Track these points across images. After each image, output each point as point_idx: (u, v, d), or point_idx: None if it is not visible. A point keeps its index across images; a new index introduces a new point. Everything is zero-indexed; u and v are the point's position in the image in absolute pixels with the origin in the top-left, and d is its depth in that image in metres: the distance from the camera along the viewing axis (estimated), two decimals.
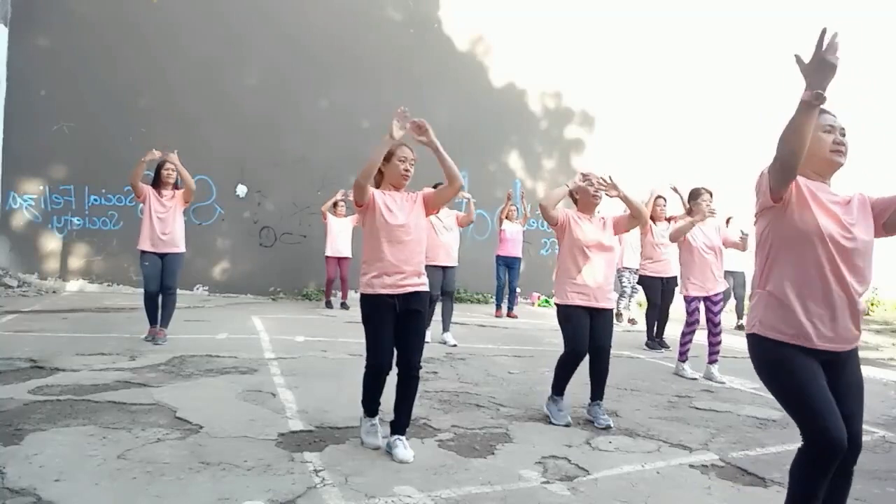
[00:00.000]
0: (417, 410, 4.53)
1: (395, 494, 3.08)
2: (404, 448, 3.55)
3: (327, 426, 4.06)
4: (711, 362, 6.14)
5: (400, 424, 3.63)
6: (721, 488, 3.43)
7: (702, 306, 6.20)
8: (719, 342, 6.14)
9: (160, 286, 6.62)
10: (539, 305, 12.30)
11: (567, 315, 4.41)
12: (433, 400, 4.85)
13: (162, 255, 6.62)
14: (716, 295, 6.12)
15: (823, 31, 2.05)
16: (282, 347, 6.57)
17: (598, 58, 12.61)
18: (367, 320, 3.63)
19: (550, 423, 4.40)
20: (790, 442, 4.30)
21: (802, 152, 2.20)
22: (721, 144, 13.14)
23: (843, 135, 2.43)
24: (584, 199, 4.56)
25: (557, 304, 4.51)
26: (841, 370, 2.39)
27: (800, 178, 2.34)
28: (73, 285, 10.55)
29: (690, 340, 6.29)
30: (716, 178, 12.45)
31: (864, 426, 4.59)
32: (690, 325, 6.23)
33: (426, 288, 3.71)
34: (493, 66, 12.30)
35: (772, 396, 2.47)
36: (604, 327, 4.41)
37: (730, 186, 12.70)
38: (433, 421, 4.30)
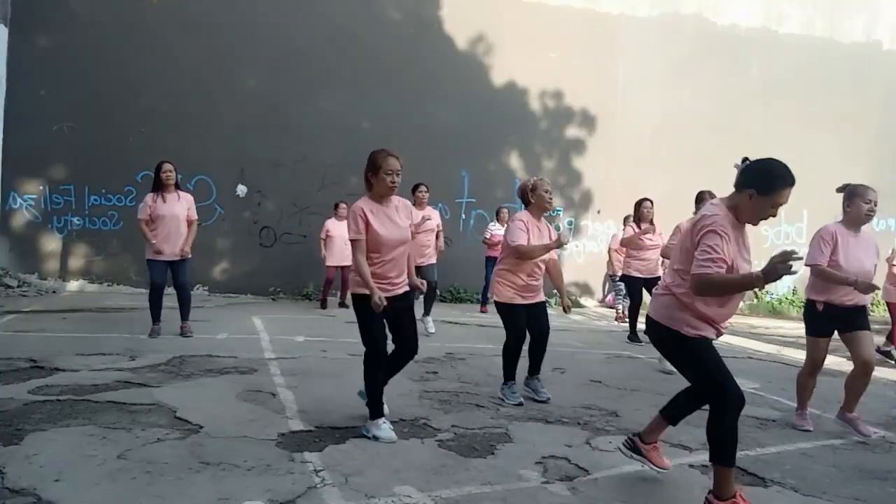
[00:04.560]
0: (417, 410, 4.54)
1: (395, 494, 3.08)
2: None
3: (327, 426, 4.05)
4: None
5: None
6: None
7: None
8: None
9: (174, 285, 6.80)
10: None
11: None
12: (433, 400, 4.84)
13: (169, 262, 6.72)
14: None
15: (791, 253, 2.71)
16: (282, 347, 6.57)
17: (598, 58, 12.60)
18: None
19: (548, 422, 4.42)
20: (790, 442, 4.31)
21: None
22: (722, 145, 13.13)
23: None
24: (538, 203, 4.96)
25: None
26: None
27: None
28: (73, 285, 10.54)
29: None
30: (716, 178, 12.44)
31: (866, 426, 4.58)
32: None
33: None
34: (493, 66, 12.29)
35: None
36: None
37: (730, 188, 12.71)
38: (433, 421, 4.30)
